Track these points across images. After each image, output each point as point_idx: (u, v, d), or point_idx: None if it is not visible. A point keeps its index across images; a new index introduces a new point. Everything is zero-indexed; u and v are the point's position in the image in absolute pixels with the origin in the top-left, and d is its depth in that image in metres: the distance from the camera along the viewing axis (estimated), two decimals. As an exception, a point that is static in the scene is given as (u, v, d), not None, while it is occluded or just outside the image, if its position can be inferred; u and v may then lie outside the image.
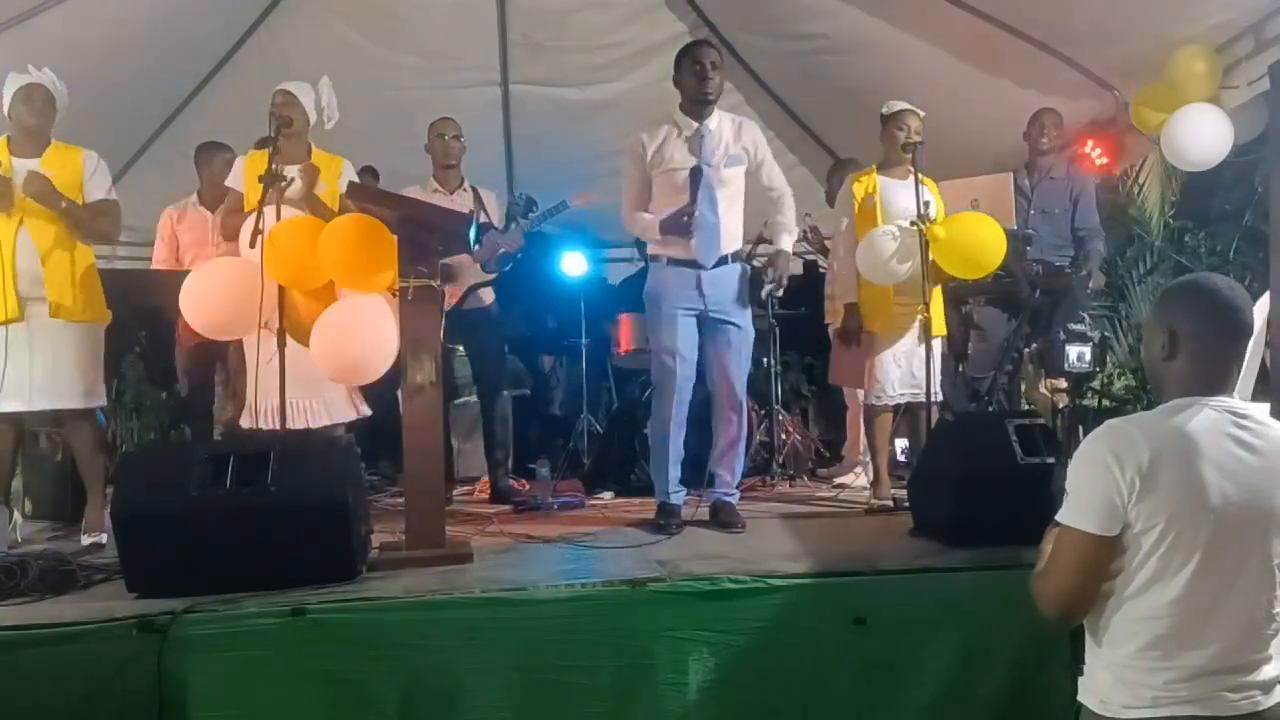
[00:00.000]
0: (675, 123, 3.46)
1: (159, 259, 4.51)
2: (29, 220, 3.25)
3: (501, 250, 4.32)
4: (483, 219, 4.37)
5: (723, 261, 3.46)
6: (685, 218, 3.35)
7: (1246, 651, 1.57)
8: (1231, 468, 1.56)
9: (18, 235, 3.24)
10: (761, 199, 3.63)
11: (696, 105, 3.42)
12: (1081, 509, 1.60)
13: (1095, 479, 1.58)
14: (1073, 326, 2.17)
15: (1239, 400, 1.65)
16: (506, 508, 4.11)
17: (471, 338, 4.39)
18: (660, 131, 3.46)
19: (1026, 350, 4.12)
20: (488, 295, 4.42)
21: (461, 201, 4.32)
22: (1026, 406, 4.30)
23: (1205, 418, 1.59)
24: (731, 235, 3.49)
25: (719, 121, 3.48)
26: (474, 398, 4.61)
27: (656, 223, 3.42)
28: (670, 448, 3.48)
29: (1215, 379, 1.63)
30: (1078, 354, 2.16)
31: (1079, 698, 1.69)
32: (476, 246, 4.25)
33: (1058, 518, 1.64)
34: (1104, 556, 1.59)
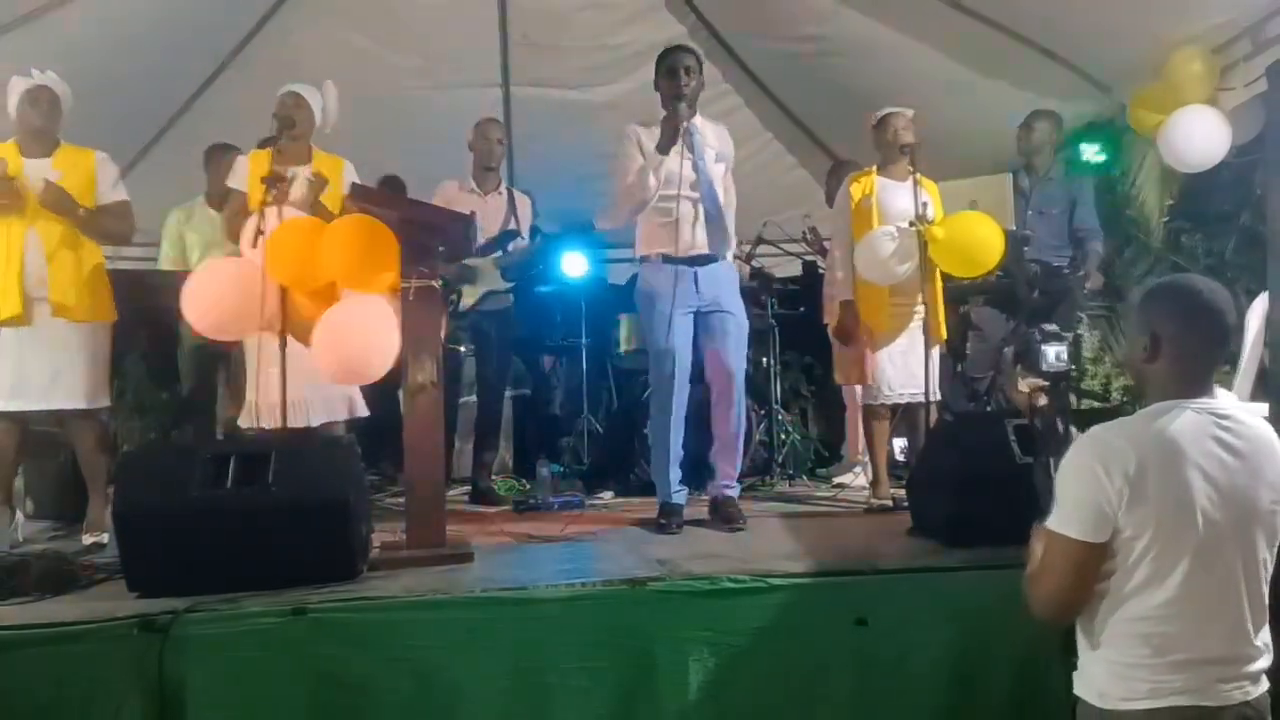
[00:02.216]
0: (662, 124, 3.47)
1: (166, 259, 4.53)
2: (39, 221, 3.27)
3: (523, 258, 4.38)
4: (512, 225, 4.41)
5: (713, 259, 3.48)
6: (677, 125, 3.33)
7: (1238, 644, 1.61)
8: (1215, 470, 1.58)
9: (28, 235, 3.26)
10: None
11: (674, 105, 3.41)
12: (1071, 517, 1.62)
13: (1083, 488, 1.61)
14: (1047, 326, 2.20)
15: (1221, 400, 1.66)
16: (505, 506, 4.13)
17: (486, 337, 4.40)
18: (653, 130, 3.46)
19: (1006, 350, 4.16)
20: (507, 296, 4.45)
21: (495, 204, 4.36)
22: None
23: (1188, 421, 1.61)
24: (722, 234, 3.50)
25: (702, 123, 3.53)
26: (474, 397, 4.62)
27: (656, 156, 3.36)
28: (670, 448, 3.48)
29: (1197, 381, 1.65)
30: (1055, 353, 2.18)
31: (1075, 690, 1.72)
32: (500, 252, 4.29)
33: (1048, 525, 1.66)
34: (1095, 562, 1.62)
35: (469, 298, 4.29)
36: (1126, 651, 1.62)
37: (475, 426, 4.56)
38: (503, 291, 4.39)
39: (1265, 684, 1.64)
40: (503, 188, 4.45)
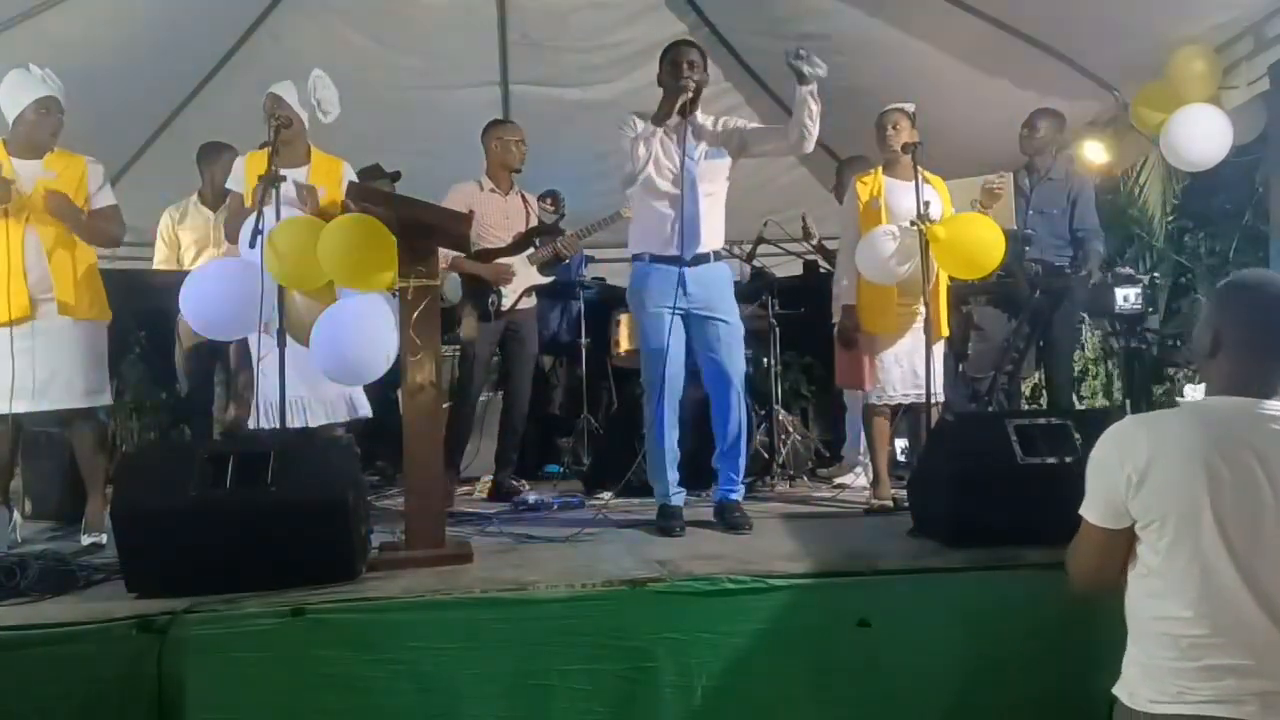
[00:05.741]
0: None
1: (160, 259, 4.52)
2: (35, 221, 3.27)
3: (561, 255, 4.49)
4: (533, 222, 4.51)
5: (705, 259, 3.45)
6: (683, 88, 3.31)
7: (1277, 656, 1.52)
8: (1254, 472, 1.52)
9: (25, 235, 3.26)
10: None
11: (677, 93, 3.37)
12: (1090, 501, 1.70)
13: (1099, 476, 1.67)
14: (1121, 270, 2.13)
15: None
16: (506, 506, 4.12)
17: (516, 335, 4.47)
18: (650, 123, 3.42)
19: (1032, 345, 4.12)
20: (532, 294, 4.54)
21: (515, 204, 4.46)
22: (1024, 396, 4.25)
23: (1225, 419, 1.58)
24: (713, 233, 3.48)
25: (702, 119, 3.49)
26: (482, 396, 4.66)
27: (650, 127, 3.36)
28: (666, 449, 3.47)
29: (1255, 380, 1.60)
30: (1123, 295, 2.12)
31: (1114, 689, 1.71)
32: (531, 249, 4.41)
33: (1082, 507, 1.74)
34: (1115, 545, 1.67)
35: (509, 297, 4.35)
36: (1153, 652, 1.61)
37: (502, 424, 4.59)
38: (541, 286, 4.50)
39: None
40: (517, 188, 4.50)
